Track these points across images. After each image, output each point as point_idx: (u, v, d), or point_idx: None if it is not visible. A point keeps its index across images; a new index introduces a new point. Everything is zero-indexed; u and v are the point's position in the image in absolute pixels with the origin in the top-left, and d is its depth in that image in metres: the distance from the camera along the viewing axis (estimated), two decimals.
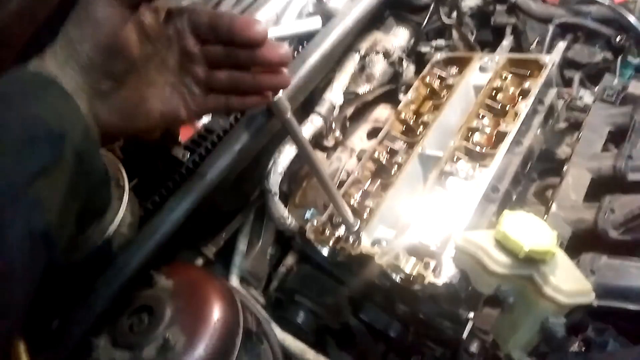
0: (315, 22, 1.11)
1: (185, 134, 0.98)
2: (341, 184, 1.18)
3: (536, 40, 1.43)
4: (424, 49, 1.51)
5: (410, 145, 1.16)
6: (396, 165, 1.13)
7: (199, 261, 1.13)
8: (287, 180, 1.24)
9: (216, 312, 0.82)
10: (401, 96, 1.37)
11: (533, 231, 0.80)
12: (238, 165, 0.95)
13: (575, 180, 1.01)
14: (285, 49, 0.71)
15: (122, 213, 0.75)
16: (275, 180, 1.09)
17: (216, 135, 0.97)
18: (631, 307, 0.84)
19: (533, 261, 0.79)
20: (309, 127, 1.15)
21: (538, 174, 1.20)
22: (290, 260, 1.20)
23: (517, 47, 1.47)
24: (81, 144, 0.56)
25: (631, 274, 0.87)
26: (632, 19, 1.30)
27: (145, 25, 0.61)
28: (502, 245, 0.80)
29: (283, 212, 1.12)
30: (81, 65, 0.57)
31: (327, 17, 1.12)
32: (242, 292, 1.12)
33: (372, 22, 1.34)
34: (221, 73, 0.72)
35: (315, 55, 1.01)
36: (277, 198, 1.11)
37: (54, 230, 0.52)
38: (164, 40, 0.65)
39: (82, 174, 0.56)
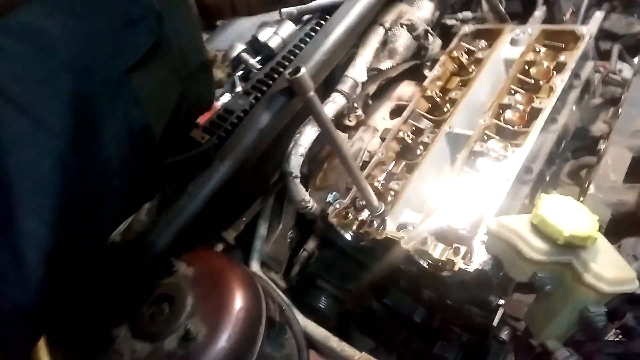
0: None
1: (203, 116, 0.94)
2: (364, 165, 1.13)
3: (570, 11, 1.35)
4: (450, 21, 1.44)
5: (437, 124, 1.11)
6: (422, 145, 1.08)
7: (219, 246, 1.10)
8: (307, 161, 1.20)
9: (238, 301, 0.80)
10: (427, 72, 1.30)
11: (572, 215, 0.75)
12: (259, 148, 0.92)
13: (614, 160, 0.95)
14: None
15: None
16: (296, 162, 1.05)
17: (236, 116, 0.93)
18: None
19: (572, 247, 0.74)
20: (332, 107, 1.10)
21: (572, 153, 1.14)
22: (311, 244, 1.17)
23: (550, 18, 1.39)
24: (180, 22, 0.52)
25: None
26: None
27: None
28: (540, 230, 0.75)
29: (304, 196, 1.09)
30: None
31: None
32: (263, 277, 1.09)
33: None
34: None
35: (338, 30, 0.96)
36: (298, 181, 1.07)
37: (153, 124, 0.49)
38: None
39: (181, 56, 0.52)
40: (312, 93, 0.79)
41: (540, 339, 0.85)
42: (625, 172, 0.94)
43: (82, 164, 0.43)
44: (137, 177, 0.50)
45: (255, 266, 1.12)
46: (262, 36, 1.01)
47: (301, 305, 1.09)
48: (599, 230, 0.79)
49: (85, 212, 0.44)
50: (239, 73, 1.01)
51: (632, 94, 1.03)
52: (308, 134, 1.05)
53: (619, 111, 1.02)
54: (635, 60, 1.20)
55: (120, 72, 0.46)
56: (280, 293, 1.09)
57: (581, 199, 0.96)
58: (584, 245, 0.74)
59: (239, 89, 0.99)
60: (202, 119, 0.94)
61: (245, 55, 1.01)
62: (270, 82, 0.97)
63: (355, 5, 1.00)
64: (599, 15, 1.12)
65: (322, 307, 1.15)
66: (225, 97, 0.99)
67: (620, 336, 0.86)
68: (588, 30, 1.07)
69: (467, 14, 1.41)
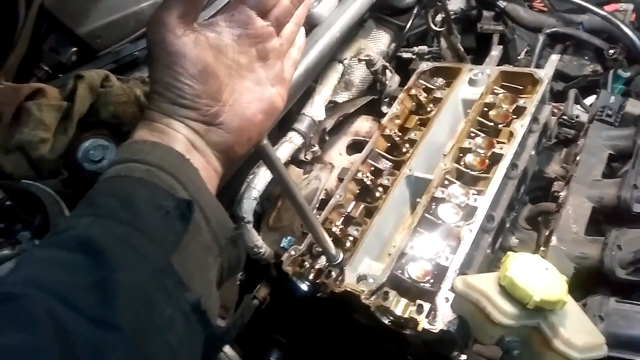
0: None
1: None
2: (322, 204, 1.07)
3: (525, 50, 1.36)
4: (406, 54, 1.42)
5: (396, 165, 1.06)
6: (381, 188, 1.04)
7: None
8: (260, 199, 1.13)
9: None
10: (384, 108, 1.26)
11: (541, 276, 0.72)
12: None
13: (575, 210, 0.94)
14: None
15: None
16: (248, 206, 0.97)
17: None
18: None
19: (541, 310, 0.71)
20: (288, 146, 1.03)
21: (529, 197, 1.13)
22: (263, 291, 1.09)
23: (505, 56, 1.40)
24: (207, 204, 0.56)
25: None
26: (626, 29, 1.23)
27: (209, 40, 0.61)
28: (508, 292, 0.72)
29: (257, 241, 1.01)
30: (186, 103, 0.58)
31: (311, 24, 1.00)
32: None
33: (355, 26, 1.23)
34: (287, 27, 0.69)
35: (297, 70, 0.89)
36: (250, 226, 1.00)
37: (203, 301, 0.53)
38: (227, 46, 0.63)
39: (211, 235, 0.56)
40: (265, 141, 0.72)
41: None
42: (586, 223, 0.93)
43: (147, 355, 0.46)
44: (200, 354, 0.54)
45: None
46: None
47: (250, 357, 1.01)
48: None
49: None
50: None
51: (589, 142, 1.03)
52: (262, 177, 0.98)
53: (577, 158, 1.01)
54: (587, 101, 1.21)
55: (165, 261, 0.50)
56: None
57: (542, 248, 0.94)
58: (553, 309, 0.71)
59: None
60: None
61: None
62: None
63: (315, 44, 0.95)
64: (554, 58, 1.12)
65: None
66: None
67: None
68: (546, 74, 1.07)
69: (423, 48, 1.40)
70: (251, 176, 0.98)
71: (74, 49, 0.82)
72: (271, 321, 1.07)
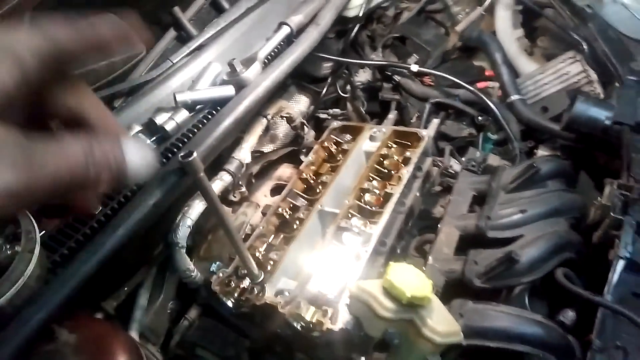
0: (228, 90, 1.21)
1: None
2: (247, 237, 1.25)
3: (416, 115, 1.67)
4: (323, 115, 1.68)
5: (311, 203, 1.28)
6: (298, 221, 1.24)
7: (99, 316, 1.11)
8: (192, 233, 1.29)
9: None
10: (302, 157, 1.50)
11: (414, 280, 0.93)
12: (150, 220, 0.99)
13: (447, 237, 1.19)
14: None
15: (32, 265, 0.75)
16: (183, 233, 1.13)
17: (130, 190, 1.01)
18: (491, 344, 1.01)
19: (414, 306, 0.92)
20: (219, 184, 1.22)
21: (418, 231, 1.38)
22: (193, 313, 1.23)
23: (401, 119, 1.71)
24: None
25: (491, 316, 1.04)
26: (490, 102, 1.58)
27: None
28: (389, 292, 0.92)
29: (189, 265, 1.16)
30: None
31: (240, 86, 1.23)
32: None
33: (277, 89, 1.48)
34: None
35: (228, 120, 1.11)
36: (183, 251, 1.15)
37: None
38: None
39: None
40: (202, 174, 0.90)
41: None
42: (455, 247, 1.18)
43: None
44: None
45: (134, 337, 1.14)
46: (159, 120, 1.12)
47: None
48: (435, 293, 1.00)
49: None
50: None
51: (459, 185, 1.32)
52: (196, 208, 1.15)
53: (450, 198, 1.29)
54: (463, 158, 1.51)
55: None
56: None
57: (423, 268, 1.17)
58: (422, 305, 0.93)
59: None
60: None
61: (141, 135, 1.10)
62: (165, 160, 1.06)
63: (243, 100, 1.17)
64: (436, 121, 1.42)
65: None
66: None
67: None
68: (427, 133, 1.35)
69: (337, 111, 1.67)
70: (186, 207, 1.15)
71: None
72: (200, 339, 1.20)
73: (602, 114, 1.31)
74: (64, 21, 0.52)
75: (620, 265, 0.98)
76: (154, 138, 1.11)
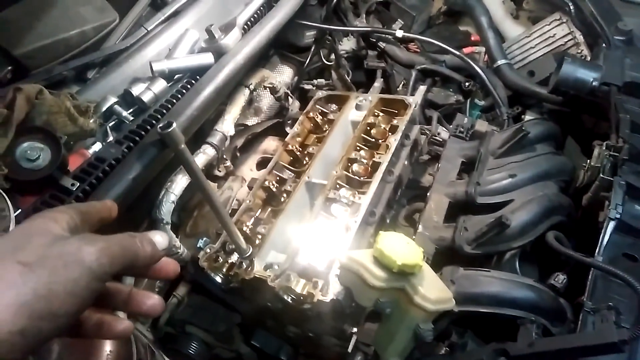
0: (207, 58, 1.16)
1: (74, 163, 0.96)
2: (233, 212, 1.22)
3: (402, 83, 1.64)
4: (307, 86, 1.64)
5: (298, 175, 1.25)
6: (285, 193, 1.21)
7: None
8: (178, 210, 1.25)
9: (107, 345, 0.81)
10: (288, 129, 1.47)
11: (404, 249, 0.92)
12: (131, 195, 0.96)
13: (436, 205, 1.18)
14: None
15: None
16: (167, 209, 1.10)
17: (107, 164, 0.96)
18: (483, 309, 1.01)
19: (405, 274, 0.91)
20: (202, 157, 1.18)
21: (407, 200, 1.37)
22: (181, 290, 1.21)
23: (387, 87, 1.67)
24: None
25: (482, 282, 1.04)
26: (477, 67, 1.55)
27: None
28: (379, 261, 0.90)
29: (175, 242, 1.13)
30: None
31: (219, 53, 1.18)
32: None
33: (259, 59, 1.43)
34: None
35: (208, 89, 1.06)
36: (168, 227, 1.12)
37: None
38: None
39: None
40: (183, 146, 0.86)
41: (384, 357, 0.99)
42: (444, 214, 1.17)
43: None
44: None
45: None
46: (135, 90, 1.07)
47: (170, 352, 1.10)
48: (425, 261, 0.98)
49: None
50: (111, 123, 1.05)
51: (447, 152, 1.30)
52: (179, 183, 1.12)
53: (438, 165, 1.27)
54: (451, 125, 1.49)
55: None
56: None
57: (413, 237, 1.16)
58: (413, 273, 0.91)
59: (110, 138, 1.03)
60: (72, 166, 0.95)
61: (117, 108, 1.05)
62: (143, 133, 1.02)
63: (223, 68, 1.12)
64: (422, 88, 1.39)
65: (192, 352, 1.17)
66: (97, 146, 1.01)
67: (448, 351, 1.06)
68: (414, 100, 1.33)
69: (321, 81, 1.63)
70: (169, 183, 1.12)
71: (10, 67, 0.93)
72: (189, 316, 1.18)
73: (589, 75, 1.29)
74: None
75: (610, 226, 0.98)
76: (131, 110, 1.07)
